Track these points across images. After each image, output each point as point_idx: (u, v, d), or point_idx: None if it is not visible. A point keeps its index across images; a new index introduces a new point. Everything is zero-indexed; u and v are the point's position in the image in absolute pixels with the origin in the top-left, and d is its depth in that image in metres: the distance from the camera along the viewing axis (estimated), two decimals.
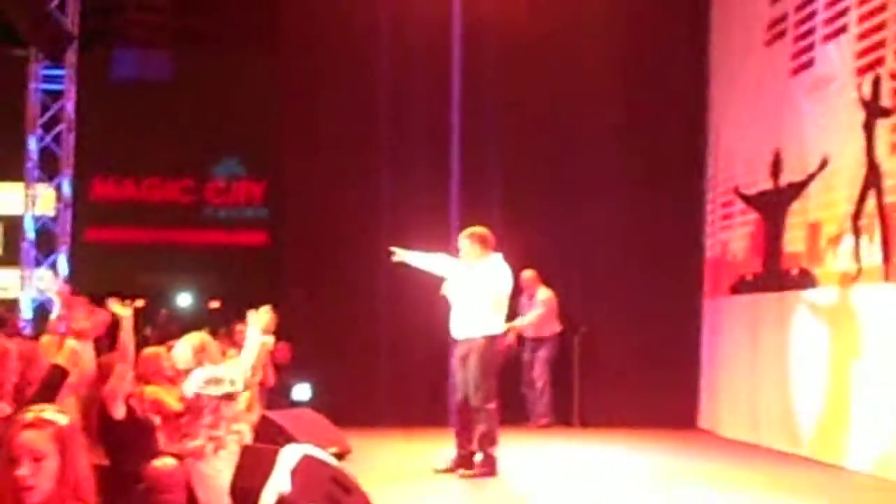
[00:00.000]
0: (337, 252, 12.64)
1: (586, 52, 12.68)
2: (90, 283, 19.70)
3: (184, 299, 23.51)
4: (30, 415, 3.25)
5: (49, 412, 3.28)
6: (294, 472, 5.84)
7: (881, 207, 8.87)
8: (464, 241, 8.79)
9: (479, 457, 8.63)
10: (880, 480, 8.53)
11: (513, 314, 12.01)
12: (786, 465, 9.66)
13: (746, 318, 11.42)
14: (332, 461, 6.56)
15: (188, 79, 21.12)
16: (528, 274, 12.29)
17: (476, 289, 8.62)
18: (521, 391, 12.57)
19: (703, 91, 12.78)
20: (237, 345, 9.29)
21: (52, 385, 5.37)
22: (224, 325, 15.90)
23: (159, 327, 14.97)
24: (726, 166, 12.22)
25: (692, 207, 12.77)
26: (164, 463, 5.87)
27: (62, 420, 3.25)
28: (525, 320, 11.74)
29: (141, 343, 12.51)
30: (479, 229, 8.84)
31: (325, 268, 12.73)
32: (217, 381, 6.72)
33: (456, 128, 12.54)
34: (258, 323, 7.17)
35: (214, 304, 23.83)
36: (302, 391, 11.68)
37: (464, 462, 8.69)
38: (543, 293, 12.47)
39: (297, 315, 12.46)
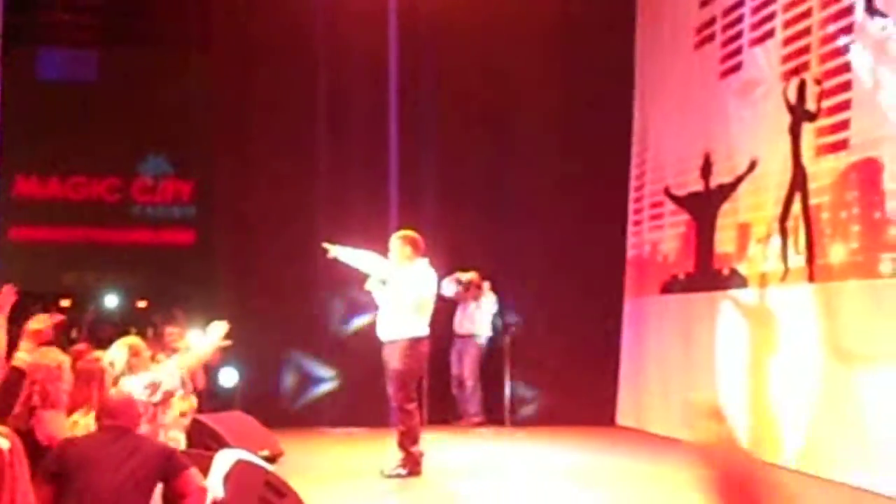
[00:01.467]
0: (265, 251, 12.57)
1: (517, 56, 12.72)
2: (15, 283, 19.40)
3: (111, 300, 23.19)
4: None
5: None
6: (227, 477, 5.81)
7: (806, 209, 9.03)
8: (395, 242, 8.88)
9: (400, 456, 8.69)
10: (803, 476, 8.69)
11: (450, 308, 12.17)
12: None
13: (678, 316, 11.55)
14: (265, 465, 6.54)
15: (115, 79, 20.85)
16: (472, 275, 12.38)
17: (402, 292, 8.75)
18: (451, 391, 12.61)
19: (630, 92, 12.89)
20: (166, 348, 9.23)
21: (12, 389, 5.24)
22: (151, 325, 15.73)
23: (87, 326, 14.77)
24: (656, 167, 12.34)
25: (621, 208, 12.89)
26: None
27: (3, 444, 3.09)
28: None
29: (68, 345, 12.34)
30: (411, 233, 8.93)
31: (254, 267, 12.65)
32: (153, 387, 6.66)
33: (393, 128, 12.53)
34: (215, 335, 7.34)
35: (141, 304, 23.55)
36: (228, 376, 11.63)
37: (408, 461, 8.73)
38: (490, 296, 12.59)
39: (226, 315, 12.35)
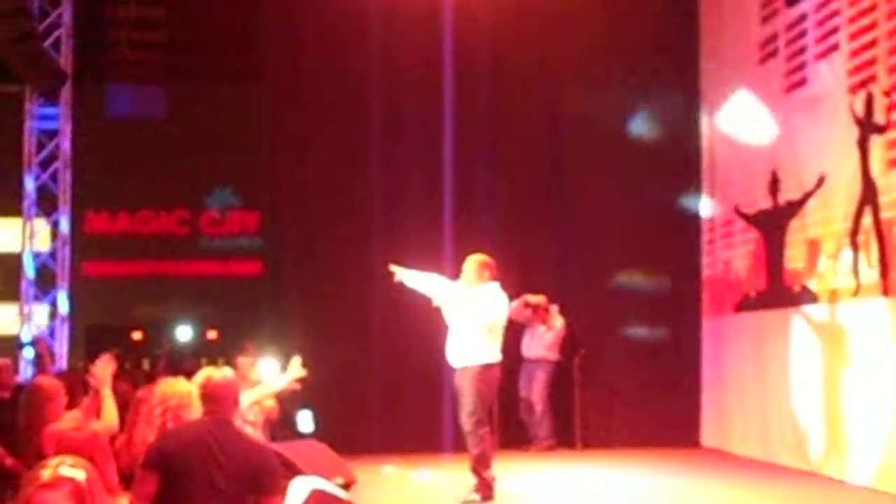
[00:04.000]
0: (332, 278, 12.64)
1: (579, 74, 12.75)
2: (89, 318, 19.69)
3: (182, 331, 23.44)
4: (46, 472, 3.13)
5: (65, 468, 3.16)
6: None
7: (878, 223, 8.91)
8: (470, 263, 8.86)
9: (474, 481, 8.66)
10: (880, 493, 8.56)
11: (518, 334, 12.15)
12: (793, 481, 9.66)
13: (752, 335, 11.43)
14: (341, 493, 6.58)
15: (181, 114, 21.12)
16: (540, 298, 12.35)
17: (475, 315, 8.70)
18: (520, 416, 12.57)
19: (697, 111, 12.83)
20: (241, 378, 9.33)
21: None
22: (222, 355, 15.86)
23: (165, 357, 14.98)
24: (725, 185, 12.26)
25: (690, 227, 12.81)
26: None
27: (80, 475, 3.14)
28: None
29: (141, 376, 12.51)
30: (486, 257, 8.91)
31: (322, 295, 12.73)
32: None
33: (449, 153, 12.56)
34: (291, 374, 8.06)
35: (212, 335, 23.77)
36: (305, 421, 11.66)
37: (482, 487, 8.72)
38: (559, 320, 12.56)
39: (295, 344, 12.47)
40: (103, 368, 6.15)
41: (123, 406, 6.51)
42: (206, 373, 5.47)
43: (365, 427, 12.34)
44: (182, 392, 5.88)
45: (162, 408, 5.81)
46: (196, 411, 5.63)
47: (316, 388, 11.74)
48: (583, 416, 12.60)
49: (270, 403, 9.07)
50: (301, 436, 11.07)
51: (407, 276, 9.11)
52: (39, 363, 11.82)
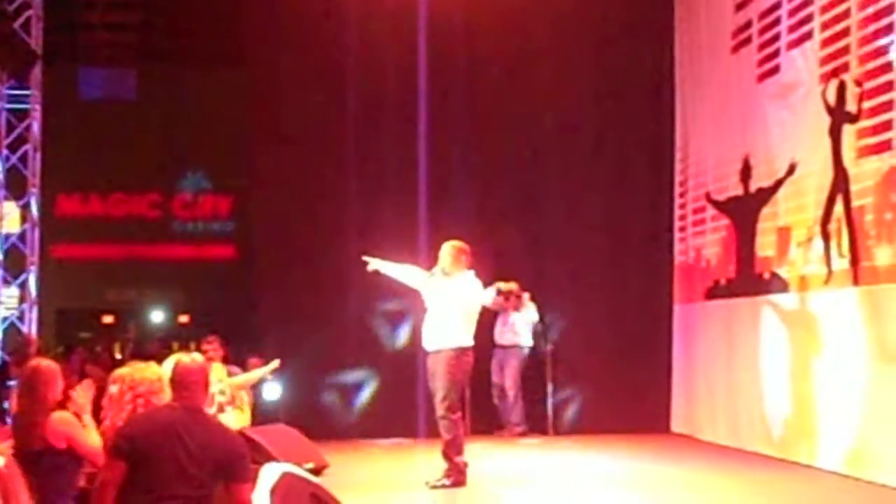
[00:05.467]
0: (305, 264, 12.61)
1: (553, 61, 12.75)
2: (59, 301, 19.60)
3: (154, 315, 23.35)
4: None
5: None
6: (274, 491, 5.83)
7: (849, 212, 8.96)
8: (448, 249, 8.84)
9: (445, 467, 8.68)
10: (850, 479, 8.63)
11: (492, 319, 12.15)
12: (763, 466, 9.72)
13: (722, 322, 11.49)
14: (311, 477, 6.57)
15: (154, 97, 21.05)
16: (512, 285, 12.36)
17: (449, 301, 8.72)
18: (492, 402, 12.59)
19: (671, 99, 12.87)
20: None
21: None
22: (194, 339, 15.81)
23: (132, 343, 14.94)
24: (697, 172, 12.30)
25: (662, 214, 12.85)
26: None
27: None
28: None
29: (110, 362, 12.46)
30: (463, 244, 8.90)
31: (294, 280, 12.70)
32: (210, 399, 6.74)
33: (423, 140, 12.55)
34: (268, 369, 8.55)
35: (183, 319, 23.70)
36: (271, 390, 11.63)
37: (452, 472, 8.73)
38: (531, 307, 12.57)
39: (266, 328, 12.47)
40: (83, 395, 6.07)
41: (98, 391, 6.44)
42: (176, 358, 5.42)
43: (337, 412, 12.34)
44: (151, 378, 5.84)
45: (132, 394, 5.77)
46: (168, 396, 5.59)
47: (288, 372, 11.77)
48: (555, 402, 12.63)
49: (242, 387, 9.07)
50: (269, 406, 11.10)
51: (380, 265, 9.11)
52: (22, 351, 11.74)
